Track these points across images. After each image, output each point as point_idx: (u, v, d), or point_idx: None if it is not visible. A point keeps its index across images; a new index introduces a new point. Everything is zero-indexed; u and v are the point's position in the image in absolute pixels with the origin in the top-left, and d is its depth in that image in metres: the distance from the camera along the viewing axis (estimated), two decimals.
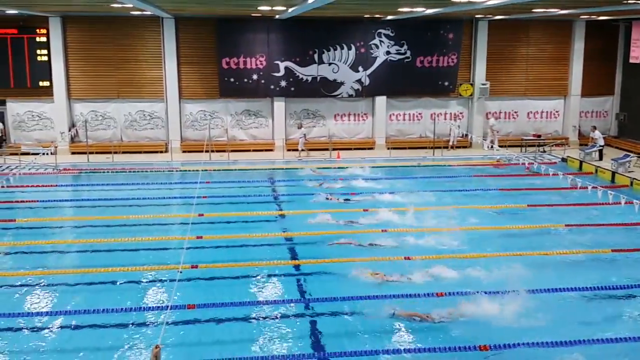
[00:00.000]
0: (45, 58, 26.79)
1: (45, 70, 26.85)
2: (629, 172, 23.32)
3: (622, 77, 30.47)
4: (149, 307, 11.76)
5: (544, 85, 30.03)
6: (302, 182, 21.84)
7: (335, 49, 27.99)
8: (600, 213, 17.79)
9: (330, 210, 17.92)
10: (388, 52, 28.26)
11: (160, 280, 13.09)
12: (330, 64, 28.06)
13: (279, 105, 28.33)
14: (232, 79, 27.63)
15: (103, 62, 27.38)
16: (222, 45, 27.31)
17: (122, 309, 11.48)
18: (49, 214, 18.28)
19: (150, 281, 13.07)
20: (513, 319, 11.03)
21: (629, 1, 17.42)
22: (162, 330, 9.36)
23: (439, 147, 28.12)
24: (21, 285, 12.87)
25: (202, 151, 25.41)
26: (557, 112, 30.41)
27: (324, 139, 28.62)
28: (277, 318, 11.42)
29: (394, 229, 16.13)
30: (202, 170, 21.79)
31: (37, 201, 19.36)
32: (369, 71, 28.35)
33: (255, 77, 27.74)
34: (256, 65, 27.65)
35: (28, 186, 21.07)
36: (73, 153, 27.32)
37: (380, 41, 28.14)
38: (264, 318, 11.41)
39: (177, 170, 25.19)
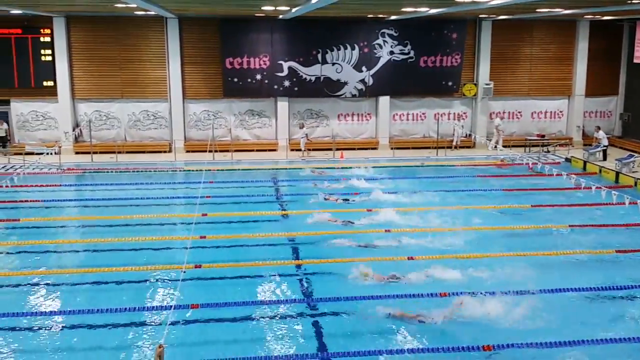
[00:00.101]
0: (49, 58, 26.86)
1: (50, 70, 26.92)
2: (633, 172, 23.27)
3: (626, 77, 30.42)
4: (153, 307, 11.77)
5: (547, 85, 30.00)
6: (305, 182, 21.82)
7: (338, 49, 28.00)
8: (604, 213, 17.74)
9: (333, 210, 17.94)
10: (392, 52, 28.26)
11: (164, 280, 13.10)
12: (333, 64, 28.07)
13: (283, 105, 28.35)
14: (235, 79, 27.65)
15: (107, 62, 27.44)
16: (226, 45, 27.34)
17: (125, 308, 11.48)
18: (52, 214, 18.32)
19: (153, 281, 13.08)
20: (516, 319, 11.00)
21: (633, 1, 17.39)
22: (166, 330, 9.38)
23: (443, 147, 28.11)
24: (25, 285, 12.89)
25: (205, 151, 25.45)
26: (561, 112, 30.37)
27: (327, 139, 28.62)
28: (280, 318, 11.42)
29: (397, 229, 16.10)
30: (206, 170, 21.81)
31: (41, 201, 19.41)
32: (372, 71, 28.35)
33: (258, 77, 27.75)
34: (260, 65, 27.67)
35: (32, 186, 21.12)
36: (77, 153, 27.38)
37: (384, 41, 28.13)
38: (267, 318, 11.41)
39: (180, 170, 25.23)
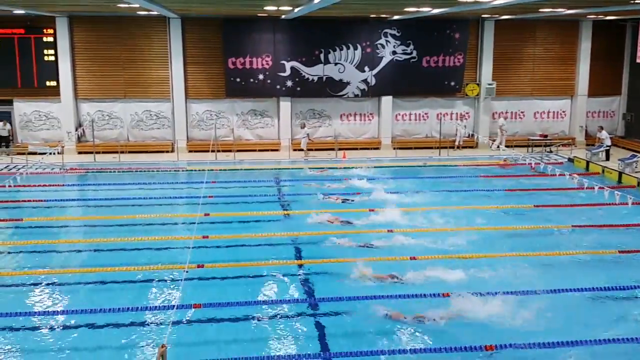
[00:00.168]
0: (52, 58, 26.91)
1: (52, 70, 26.96)
2: (636, 172, 23.22)
3: (629, 77, 30.38)
4: (155, 307, 11.78)
5: (550, 85, 29.97)
6: (308, 182, 21.80)
7: (341, 49, 28.00)
8: (607, 214, 17.71)
9: (335, 210, 17.94)
10: (394, 52, 28.25)
11: (167, 280, 13.12)
12: (336, 63, 28.07)
13: (285, 105, 28.35)
14: (238, 79, 27.67)
15: (110, 62, 27.48)
16: (228, 45, 27.36)
17: (128, 308, 11.49)
18: (55, 214, 18.35)
19: (156, 281, 13.09)
20: (518, 319, 10.99)
21: (636, 1, 17.36)
22: (168, 330, 9.39)
23: (445, 147, 28.09)
24: (28, 285, 12.92)
25: (208, 151, 25.46)
26: (563, 112, 30.33)
27: (329, 139, 28.62)
28: (282, 318, 11.43)
29: (399, 229, 16.09)
30: (208, 170, 21.81)
31: (44, 200, 19.43)
32: (375, 71, 28.35)
33: (261, 77, 27.77)
34: (262, 65, 27.69)
35: (35, 186, 21.15)
36: (80, 153, 27.43)
37: (387, 41, 28.13)
38: (270, 318, 11.42)
39: (183, 170, 25.24)
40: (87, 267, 14.10)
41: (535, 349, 9.98)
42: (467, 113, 29.69)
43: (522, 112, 30.07)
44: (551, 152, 28.05)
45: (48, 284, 12.98)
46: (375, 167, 24.41)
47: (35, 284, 12.95)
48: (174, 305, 11.14)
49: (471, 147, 29.26)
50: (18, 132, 27.70)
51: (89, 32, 27.19)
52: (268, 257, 14.47)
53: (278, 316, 11.50)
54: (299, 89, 28.08)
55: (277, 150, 28.38)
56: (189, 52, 27.68)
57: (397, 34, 28.07)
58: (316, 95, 28.48)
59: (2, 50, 26.57)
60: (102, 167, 24.77)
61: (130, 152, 27.36)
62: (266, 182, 22.44)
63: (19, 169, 23.11)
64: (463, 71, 28.82)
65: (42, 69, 26.92)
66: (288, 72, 27.86)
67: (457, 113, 29.62)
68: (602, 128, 27.39)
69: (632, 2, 17.65)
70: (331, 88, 28.30)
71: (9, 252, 15.04)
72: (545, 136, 29.11)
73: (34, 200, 19.43)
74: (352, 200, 19.33)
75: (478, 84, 29.11)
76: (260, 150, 28.29)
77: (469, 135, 29.10)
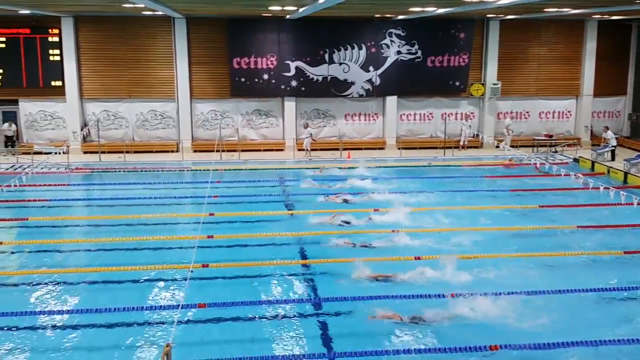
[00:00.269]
0: (57, 58, 26.98)
1: (58, 70, 27.03)
2: None
3: (635, 77, 30.31)
4: (160, 306, 11.79)
5: (555, 85, 29.91)
6: (312, 182, 21.78)
7: (345, 49, 28.00)
8: (612, 214, 17.66)
9: (340, 210, 17.91)
10: (399, 52, 28.23)
11: (172, 279, 13.12)
12: (340, 63, 28.08)
13: (290, 105, 28.37)
14: (242, 79, 27.70)
15: (115, 62, 27.54)
16: (233, 45, 27.39)
17: (133, 307, 11.50)
18: (61, 213, 18.38)
19: (161, 280, 13.11)
20: (523, 319, 10.96)
21: None
22: (173, 329, 9.40)
23: (450, 147, 28.07)
24: (33, 284, 12.94)
25: (213, 151, 25.50)
26: (569, 112, 30.27)
27: (334, 138, 28.63)
28: (287, 317, 11.43)
29: (403, 229, 16.06)
30: (213, 170, 21.83)
31: (50, 200, 19.48)
32: (379, 71, 28.33)
33: (265, 77, 27.79)
34: (267, 65, 27.71)
35: (40, 185, 21.21)
36: (85, 152, 27.50)
37: (391, 41, 28.11)
38: (275, 317, 11.42)
39: (188, 170, 25.28)
40: (91, 267, 14.14)
41: (540, 349, 9.95)
42: (472, 113, 29.65)
43: (527, 112, 30.02)
44: (556, 152, 27.99)
45: (51, 284, 13.00)
46: (380, 167, 24.38)
47: (39, 284, 12.96)
48: (178, 305, 11.14)
49: (476, 147, 29.23)
50: (23, 132, 27.78)
51: (94, 32, 27.26)
52: (272, 257, 14.48)
53: (282, 316, 11.50)
54: (303, 88, 28.09)
55: (281, 150, 28.40)
56: (193, 52, 27.72)
57: (402, 34, 28.05)
58: (321, 95, 28.48)
59: (8, 50, 26.67)
60: (107, 166, 24.82)
61: (135, 152, 27.41)
62: (271, 182, 22.44)
63: (24, 169, 23.18)
64: (468, 71, 28.78)
65: (47, 69, 27.00)
66: (293, 72, 27.87)
67: (462, 113, 29.58)
68: (607, 128, 27.31)
69: (638, 1, 17.60)
70: (336, 88, 28.30)
71: (15, 252, 15.09)
72: (551, 136, 29.06)
73: (39, 200, 19.49)
74: (356, 201, 19.29)
75: (483, 84, 29.07)
76: (264, 150, 28.32)
77: (473, 135, 29.06)
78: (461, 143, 28.83)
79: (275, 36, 27.50)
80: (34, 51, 26.79)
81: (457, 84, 28.92)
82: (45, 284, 13.00)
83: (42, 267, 13.96)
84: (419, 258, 13.96)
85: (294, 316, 11.51)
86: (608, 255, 14.56)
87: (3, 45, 26.68)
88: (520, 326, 10.80)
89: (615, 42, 29.83)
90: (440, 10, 22.15)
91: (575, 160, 25.82)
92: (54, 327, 11.10)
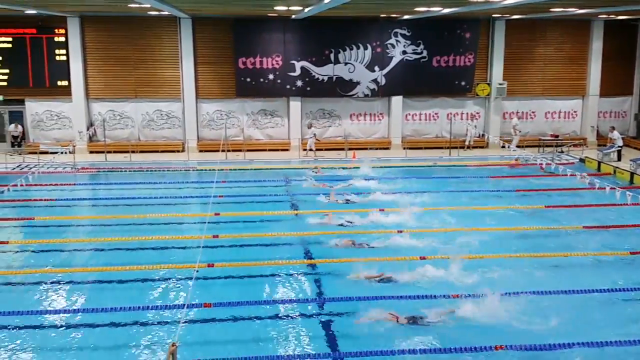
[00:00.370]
0: (63, 58, 27.07)
1: (64, 69, 27.12)
2: None
3: None
4: (166, 306, 11.81)
5: (561, 85, 29.84)
6: (316, 182, 21.77)
7: (351, 49, 27.99)
8: (619, 214, 17.61)
9: (345, 210, 17.92)
10: (404, 52, 28.21)
11: (177, 279, 13.15)
12: (346, 63, 28.07)
13: (295, 105, 28.38)
14: (248, 79, 27.72)
15: (121, 62, 27.61)
16: (239, 45, 27.42)
17: (138, 307, 11.53)
18: (67, 213, 18.47)
19: (166, 280, 13.14)
20: (528, 320, 10.95)
21: None
22: (178, 329, 9.42)
23: (456, 147, 28.03)
24: (39, 283, 12.99)
25: (218, 151, 25.53)
26: (575, 112, 30.19)
27: (339, 138, 28.63)
28: (292, 317, 11.44)
29: (408, 230, 16.04)
30: (219, 170, 21.86)
31: (56, 200, 19.55)
32: (385, 71, 28.32)
33: (271, 76, 27.81)
34: (272, 65, 27.73)
35: (46, 185, 21.28)
36: (91, 152, 27.58)
37: (397, 41, 28.09)
38: (280, 317, 11.43)
39: (193, 170, 25.32)
40: (96, 267, 14.17)
41: (545, 350, 9.94)
42: (477, 113, 29.61)
43: (533, 112, 29.95)
44: (562, 152, 27.91)
45: (58, 283, 13.05)
46: (385, 167, 24.36)
47: (45, 283, 13.01)
48: (184, 304, 11.17)
49: (481, 147, 29.18)
50: (30, 132, 27.87)
51: (100, 32, 27.33)
52: (278, 257, 14.51)
53: (288, 316, 11.50)
54: (309, 88, 28.10)
55: (287, 150, 28.41)
56: (199, 52, 27.76)
57: (408, 34, 28.03)
58: (326, 95, 28.49)
59: (14, 50, 26.78)
60: (113, 166, 24.88)
61: (141, 151, 27.49)
62: (276, 181, 22.44)
63: (30, 168, 23.26)
64: (473, 71, 28.74)
65: (53, 69, 27.09)
66: (298, 72, 27.89)
67: (467, 113, 29.54)
68: (613, 128, 27.22)
69: None
70: (341, 88, 28.30)
71: (21, 251, 15.15)
72: (557, 136, 28.98)
73: (45, 200, 19.56)
74: (360, 201, 19.28)
75: (489, 84, 29.03)
76: (270, 150, 28.35)
77: (479, 135, 29.01)
78: (467, 143, 28.79)
79: (281, 36, 27.52)
80: (40, 51, 26.88)
81: (463, 84, 28.87)
82: (50, 283, 13.04)
83: (48, 266, 14.02)
84: (423, 258, 13.94)
85: (300, 316, 11.51)
86: (614, 255, 14.51)
87: (9, 45, 26.80)
88: (526, 326, 10.78)
89: (622, 42, 29.73)
90: (446, 10, 22.13)
91: (581, 160, 25.74)
92: (57, 326, 11.13)
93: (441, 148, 28.49)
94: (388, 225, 16.61)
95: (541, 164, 23.18)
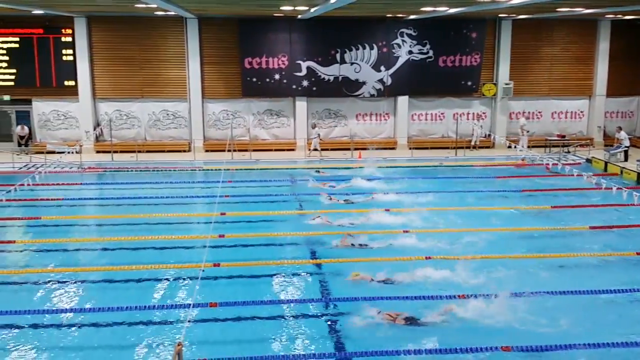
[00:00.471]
0: (70, 58, 27.16)
1: (71, 69, 27.21)
2: None
3: None
4: (172, 305, 11.84)
5: (568, 85, 29.75)
6: (322, 182, 21.78)
7: (357, 49, 27.99)
8: (626, 215, 17.55)
9: (350, 210, 17.94)
10: (410, 52, 28.19)
11: (183, 279, 13.18)
12: (352, 63, 28.07)
13: (301, 105, 28.39)
14: (254, 79, 27.76)
15: (127, 62, 27.70)
16: (245, 45, 27.45)
17: (144, 306, 11.57)
18: (73, 212, 18.53)
19: (172, 279, 13.16)
20: (535, 320, 10.92)
21: None
22: (184, 328, 9.44)
23: (462, 147, 27.98)
24: (45, 283, 13.04)
25: (224, 150, 25.57)
26: (581, 112, 30.11)
27: (345, 138, 28.63)
28: (297, 317, 11.44)
29: (415, 230, 16.03)
30: (225, 170, 21.89)
31: (62, 199, 19.62)
32: (391, 71, 28.31)
33: (277, 76, 27.83)
34: (278, 65, 27.75)
35: (53, 184, 21.35)
36: (98, 152, 27.67)
37: (403, 41, 28.07)
38: (285, 317, 11.44)
39: (199, 170, 25.35)
40: (101, 266, 14.21)
41: (551, 350, 9.91)
42: (483, 113, 29.56)
43: (539, 112, 29.88)
44: (569, 152, 27.83)
45: (64, 282, 13.08)
46: (391, 167, 24.34)
47: (52, 282, 13.06)
48: (190, 304, 11.19)
49: (488, 147, 29.13)
50: (37, 132, 27.98)
51: (107, 32, 27.42)
52: (285, 256, 14.54)
53: (294, 316, 11.51)
54: (314, 88, 28.11)
55: (293, 149, 28.44)
56: (205, 52, 27.81)
57: (414, 34, 28.00)
58: (332, 95, 28.50)
59: (21, 50, 26.89)
60: (119, 166, 24.94)
61: (147, 151, 27.56)
62: (282, 181, 22.46)
63: (37, 168, 23.32)
64: (480, 71, 28.69)
65: (60, 69, 27.19)
66: (304, 72, 27.90)
67: (473, 113, 29.50)
68: (620, 128, 27.14)
69: None
70: (347, 88, 28.30)
71: (28, 250, 15.21)
72: (563, 136, 28.90)
73: (52, 199, 19.62)
74: (366, 200, 19.28)
75: (495, 84, 28.97)
76: (276, 150, 28.37)
77: (485, 135, 28.96)
78: (473, 143, 28.75)
79: (287, 36, 27.54)
80: (47, 51, 26.98)
81: (469, 83, 28.83)
82: (57, 282, 13.08)
83: (54, 265, 14.06)
84: (429, 258, 13.92)
85: (306, 316, 11.51)
86: (621, 256, 14.45)
87: (17, 45, 26.91)
88: (532, 327, 10.75)
89: (629, 42, 29.61)
90: (452, 10, 22.10)
91: (588, 160, 25.68)
92: (63, 325, 11.14)
93: (447, 148, 28.46)
94: (393, 225, 16.57)
95: (547, 164, 23.11)
